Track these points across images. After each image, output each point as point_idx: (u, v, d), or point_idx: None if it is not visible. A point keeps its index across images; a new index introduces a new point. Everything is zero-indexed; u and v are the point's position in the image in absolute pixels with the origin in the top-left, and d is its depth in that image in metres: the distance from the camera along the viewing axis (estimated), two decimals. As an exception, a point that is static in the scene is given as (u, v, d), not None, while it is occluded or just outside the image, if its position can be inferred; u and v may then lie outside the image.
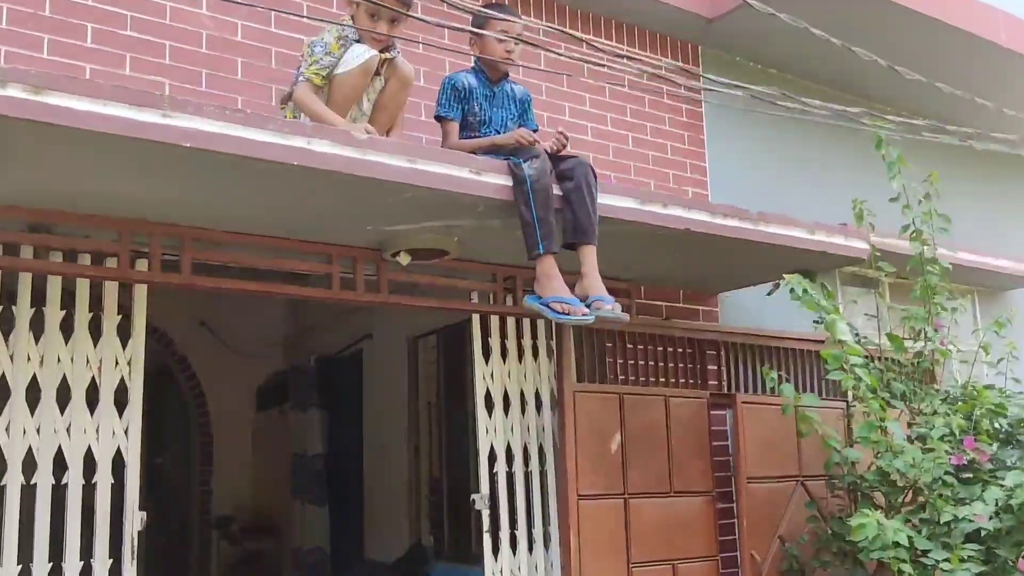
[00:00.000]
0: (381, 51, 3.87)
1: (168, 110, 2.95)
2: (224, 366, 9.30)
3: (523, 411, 4.70)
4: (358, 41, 3.81)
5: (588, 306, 3.65)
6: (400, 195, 3.55)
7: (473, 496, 4.47)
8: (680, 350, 5.33)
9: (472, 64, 4.28)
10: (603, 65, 4.86)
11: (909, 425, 4.85)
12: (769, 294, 5.33)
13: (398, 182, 3.43)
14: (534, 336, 4.84)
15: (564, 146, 4.03)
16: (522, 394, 4.72)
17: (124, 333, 3.72)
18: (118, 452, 3.59)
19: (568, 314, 3.60)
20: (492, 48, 4.15)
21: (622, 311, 3.81)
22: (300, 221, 3.90)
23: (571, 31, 4.96)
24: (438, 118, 4.18)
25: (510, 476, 4.58)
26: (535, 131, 4.15)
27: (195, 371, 9.53)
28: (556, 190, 3.80)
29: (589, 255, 3.78)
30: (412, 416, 7.19)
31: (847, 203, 5.20)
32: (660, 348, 5.23)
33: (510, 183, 3.71)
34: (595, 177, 3.88)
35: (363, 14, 3.82)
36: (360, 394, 8.16)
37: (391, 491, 7.38)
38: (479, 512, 4.43)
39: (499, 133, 4.13)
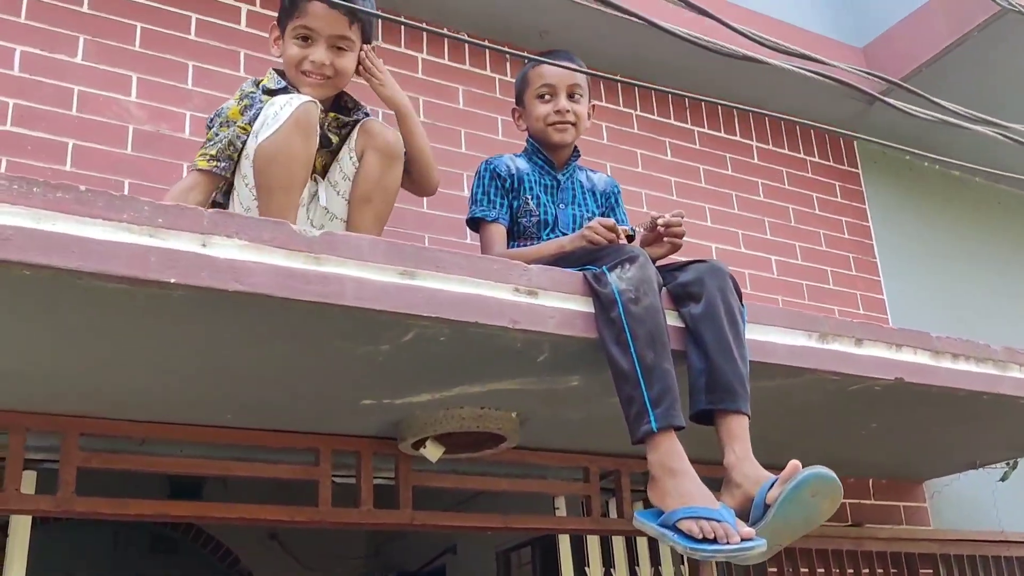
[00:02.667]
0: (332, 109, 2.46)
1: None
2: (297, 586, 8.15)
3: None
4: (283, 90, 2.39)
5: (755, 519, 1.95)
6: (397, 337, 2.01)
7: None
8: (880, 571, 3.50)
9: (525, 145, 2.81)
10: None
11: None
12: (1004, 479, 3.78)
13: (388, 311, 1.89)
14: (655, 562, 3.14)
15: (677, 244, 2.45)
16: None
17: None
18: None
19: (714, 541, 1.88)
20: (535, 113, 2.69)
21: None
22: (251, 398, 2.37)
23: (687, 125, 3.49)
24: (472, 222, 2.69)
25: None
26: (631, 238, 2.56)
27: (263, 591, 8.19)
28: (671, 318, 2.20)
29: (739, 429, 2.11)
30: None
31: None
32: (850, 570, 3.43)
33: (589, 308, 2.12)
34: (739, 295, 2.27)
35: (290, 42, 2.40)
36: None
37: None
38: None
39: (566, 237, 2.60)
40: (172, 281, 1.69)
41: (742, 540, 1.87)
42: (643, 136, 3.72)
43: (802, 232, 3.99)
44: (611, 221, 2.38)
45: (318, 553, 8.02)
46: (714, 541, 1.87)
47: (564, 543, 3.18)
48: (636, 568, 3.24)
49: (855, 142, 4.37)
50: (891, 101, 3.07)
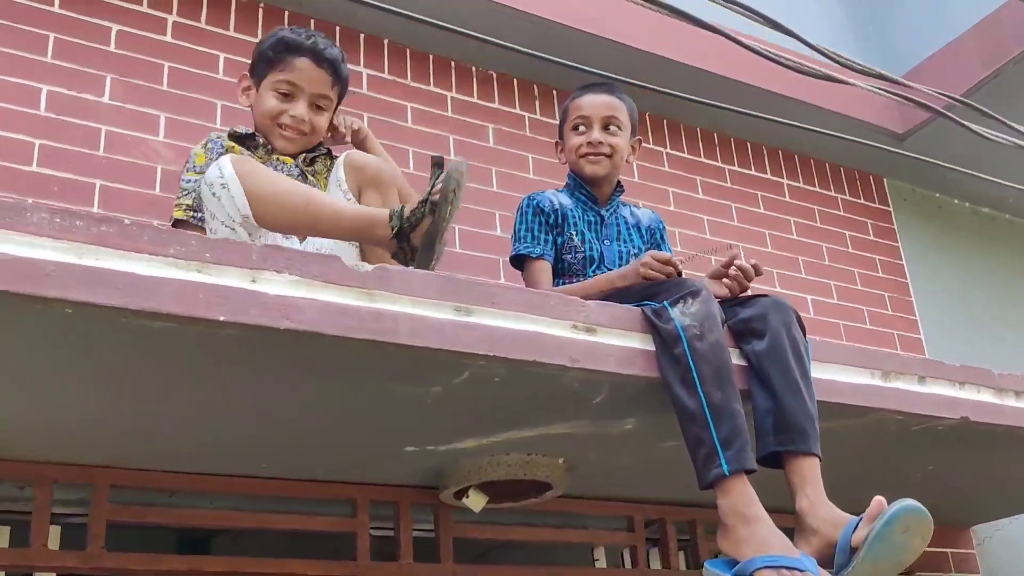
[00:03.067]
0: (303, 156, 2.39)
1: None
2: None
3: None
4: (250, 136, 2.36)
5: (840, 565, 1.82)
6: (450, 378, 1.90)
7: None
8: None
9: (567, 180, 2.72)
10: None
11: None
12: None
13: (444, 350, 1.79)
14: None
15: (736, 290, 2.35)
16: None
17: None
18: None
19: (799, 590, 1.76)
20: (569, 144, 2.63)
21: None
22: (290, 445, 2.26)
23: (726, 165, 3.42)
24: (516, 259, 2.58)
25: None
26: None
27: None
28: (734, 356, 2.09)
29: (811, 472, 1.99)
30: None
31: None
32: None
33: (649, 346, 2.02)
34: (803, 331, 2.16)
35: (268, 93, 2.34)
36: None
37: None
38: None
39: (617, 272, 2.50)
40: (221, 319, 1.58)
41: (827, 591, 1.74)
42: (674, 174, 3.64)
43: (837, 271, 3.90)
44: (665, 255, 2.28)
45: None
46: (801, 591, 1.74)
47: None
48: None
49: (885, 180, 4.30)
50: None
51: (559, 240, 2.54)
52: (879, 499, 1.85)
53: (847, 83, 2.59)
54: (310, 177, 2.36)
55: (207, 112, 2.81)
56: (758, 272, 2.34)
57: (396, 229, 1.94)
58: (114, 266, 1.53)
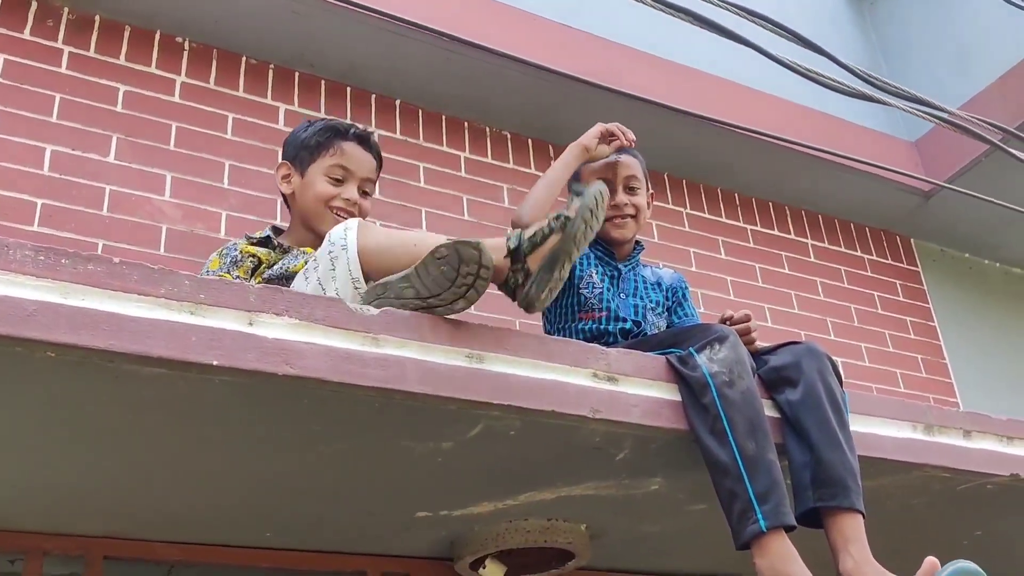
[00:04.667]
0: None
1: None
2: None
3: None
4: (266, 239, 2.29)
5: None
6: (462, 432, 1.78)
7: None
8: None
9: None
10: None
11: None
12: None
13: (455, 398, 1.67)
14: None
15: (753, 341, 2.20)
16: None
17: None
18: None
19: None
20: None
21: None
22: (295, 512, 2.12)
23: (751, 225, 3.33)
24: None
25: None
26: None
27: None
28: (767, 407, 1.95)
29: (854, 530, 1.84)
30: None
31: None
32: None
33: (675, 396, 1.89)
34: (840, 380, 2.03)
35: (320, 179, 2.32)
36: None
37: None
38: None
39: (629, 330, 2.37)
40: (215, 363, 1.48)
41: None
42: (695, 234, 3.55)
43: (867, 333, 3.76)
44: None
45: None
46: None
47: None
48: None
49: (912, 240, 4.19)
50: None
51: (575, 274, 2.40)
52: (932, 560, 1.70)
53: (880, 101, 2.49)
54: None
55: (215, 172, 2.75)
56: (748, 317, 2.20)
57: (513, 248, 1.73)
58: (101, 306, 1.44)
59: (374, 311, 1.67)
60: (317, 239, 2.19)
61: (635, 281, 2.53)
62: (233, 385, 1.54)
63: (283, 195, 2.43)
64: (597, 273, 2.42)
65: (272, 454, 1.83)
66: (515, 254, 1.73)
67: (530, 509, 2.19)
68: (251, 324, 1.54)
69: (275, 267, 2.20)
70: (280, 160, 2.43)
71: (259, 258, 2.22)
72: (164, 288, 1.49)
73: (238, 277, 2.17)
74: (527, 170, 3.32)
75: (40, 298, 1.40)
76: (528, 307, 1.76)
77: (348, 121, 2.47)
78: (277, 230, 2.40)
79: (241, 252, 2.24)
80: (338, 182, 2.35)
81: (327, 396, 1.60)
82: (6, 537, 2.03)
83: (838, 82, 2.42)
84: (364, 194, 2.39)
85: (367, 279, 1.80)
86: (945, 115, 2.67)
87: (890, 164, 3.72)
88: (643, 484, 2.10)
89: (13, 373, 1.47)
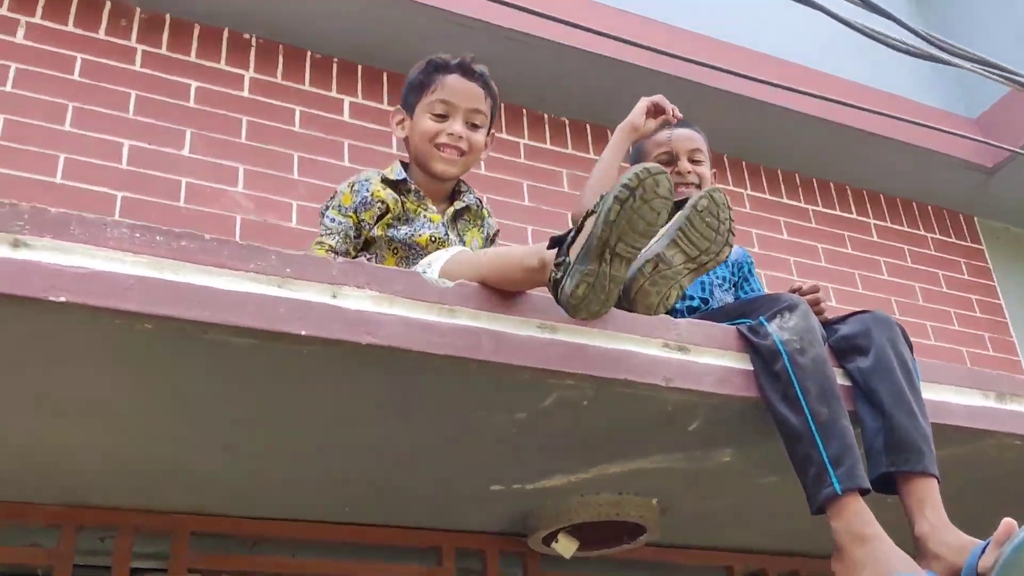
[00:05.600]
0: (450, 210, 2.27)
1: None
2: None
3: None
4: (402, 182, 2.25)
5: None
6: (535, 402, 1.82)
7: None
8: None
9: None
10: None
11: None
12: None
13: (528, 367, 1.71)
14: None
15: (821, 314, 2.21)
16: None
17: None
18: None
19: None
20: None
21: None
22: (373, 485, 2.18)
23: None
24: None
25: None
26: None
27: None
28: (838, 376, 1.96)
29: (929, 493, 1.84)
30: None
31: None
32: None
33: (745, 365, 1.91)
34: (910, 347, 2.03)
35: (424, 117, 2.25)
36: None
37: None
38: None
39: (696, 307, 2.39)
40: (303, 333, 1.54)
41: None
42: (757, 215, 3.55)
43: (932, 311, 3.73)
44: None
45: None
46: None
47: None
48: None
49: (976, 218, 4.14)
50: None
51: None
52: (1009, 521, 1.69)
53: (946, 62, 2.47)
54: (451, 235, 2.25)
55: (284, 164, 2.83)
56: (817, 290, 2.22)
57: (556, 238, 1.63)
58: (194, 280, 1.50)
59: (450, 283, 1.72)
60: (432, 181, 2.25)
61: (702, 257, 2.54)
62: (318, 355, 1.59)
63: (402, 141, 2.37)
64: None
65: (352, 425, 1.89)
66: (559, 244, 1.63)
67: (601, 483, 2.22)
68: (335, 296, 1.60)
69: (401, 231, 2.17)
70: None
71: (387, 205, 2.18)
72: (253, 263, 1.56)
73: (363, 221, 2.16)
74: (586, 155, 3.36)
75: (137, 273, 1.47)
76: (565, 307, 1.60)
77: (450, 55, 2.32)
78: (406, 164, 2.32)
79: (372, 194, 2.19)
80: (441, 117, 2.25)
81: (405, 364, 1.65)
82: (96, 514, 2.11)
83: (902, 41, 2.40)
84: (474, 127, 2.27)
85: None
86: (1016, 76, 2.63)
87: (954, 141, 3.69)
88: (714, 456, 2.12)
89: (111, 345, 1.55)
